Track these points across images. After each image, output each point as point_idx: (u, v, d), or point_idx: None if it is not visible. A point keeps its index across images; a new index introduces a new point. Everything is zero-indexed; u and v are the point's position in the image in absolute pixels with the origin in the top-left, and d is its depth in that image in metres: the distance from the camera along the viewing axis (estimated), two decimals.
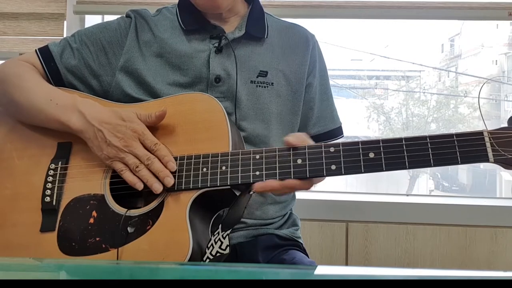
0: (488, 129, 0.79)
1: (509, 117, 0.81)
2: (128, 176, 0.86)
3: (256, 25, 1.07)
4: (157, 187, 0.85)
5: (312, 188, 0.88)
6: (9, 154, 0.96)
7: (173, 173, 0.86)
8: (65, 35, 1.65)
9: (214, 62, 1.01)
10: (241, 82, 1.02)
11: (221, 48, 1.02)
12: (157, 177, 0.85)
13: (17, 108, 0.98)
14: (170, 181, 0.85)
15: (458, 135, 0.79)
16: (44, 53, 1.05)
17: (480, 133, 0.79)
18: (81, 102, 0.93)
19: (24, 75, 1.00)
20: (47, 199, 0.90)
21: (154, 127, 0.91)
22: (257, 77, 1.03)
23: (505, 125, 0.81)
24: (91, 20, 1.71)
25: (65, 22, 1.66)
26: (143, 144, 0.88)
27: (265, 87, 1.03)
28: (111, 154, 0.87)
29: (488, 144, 0.78)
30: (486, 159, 0.77)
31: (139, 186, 0.86)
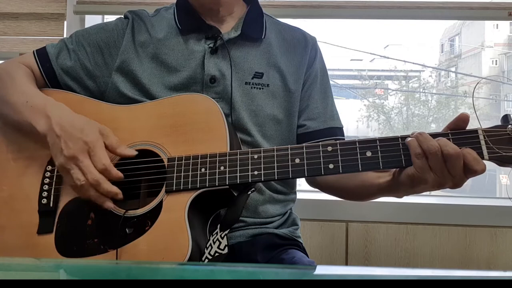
0: (483, 127, 0.80)
1: (502, 115, 0.81)
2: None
3: (253, 26, 1.07)
4: (109, 205, 0.85)
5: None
6: (5, 155, 0.96)
7: (171, 173, 0.86)
8: (65, 35, 1.65)
9: (209, 62, 1.01)
10: (235, 83, 1.02)
11: (216, 49, 1.02)
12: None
13: (1, 106, 0.97)
14: (109, 205, 0.85)
15: (453, 133, 0.80)
16: (41, 54, 1.05)
17: (475, 131, 0.79)
18: (52, 106, 0.92)
19: (11, 75, 1.00)
20: (44, 201, 0.90)
21: (153, 128, 0.91)
22: (252, 78, 1.03)
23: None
24: (91, 20, 1.70)
25: (65, 22, 1.66)
26: (91, 160, 0.85)
27: (260, 88, 1.03)
28: (62, 164, 0.85)
29: (482, 142, 0.78)
30: (481, 157, 0.77)
31: (110, 205, 0.85)
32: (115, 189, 0.84)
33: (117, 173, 0.85)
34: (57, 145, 0.87)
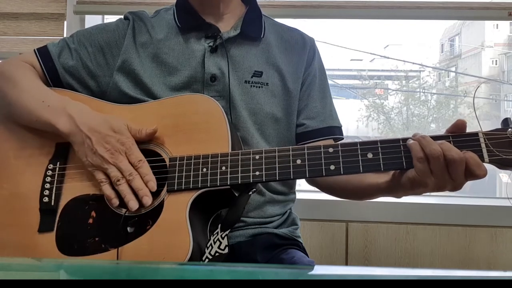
0: (484, 129, 0.80)
1: (503, 118, 0.81)
2: (106, 189, 0.87)
3: (252, 25, 1.07)
4: (133, 205, 0.84)
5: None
6: (6, 153, 0.96)
7: (173, 173, 0.86)
8: (65, 35, 1.65)
9: (209, 61, 1.02)
10: (235, 82, 1.02)
11: (216, 48, 1.03)
12: (136, 194, 0.85)
13: (10, 107, 0.98)
14: (148, 200, 0.85)
15: (454, 136, 0.80)
16: (43, 53, 1.05)
17: (475, 134, 0.79)
18: (72, 106, 0.93)
19: (18, 74, 1.00)
20: (45, 199, 0.90)
21: None
22: (251, 77, 1.04)
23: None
24: (91, 20, 1.71)
25: (65, 22, 1.66)
26: (127, 159, 0.88)
27: (259, 87, 1.04)
28: (95, 163, 0.87)
29: (483, 145, 0.78)
30: (481, 159, 0.77)
31: (115, 202, 0.86)
32: (145, 185, 0.86)
33: (148, 167, 0.87)
34: (87, 145, 0.88)
